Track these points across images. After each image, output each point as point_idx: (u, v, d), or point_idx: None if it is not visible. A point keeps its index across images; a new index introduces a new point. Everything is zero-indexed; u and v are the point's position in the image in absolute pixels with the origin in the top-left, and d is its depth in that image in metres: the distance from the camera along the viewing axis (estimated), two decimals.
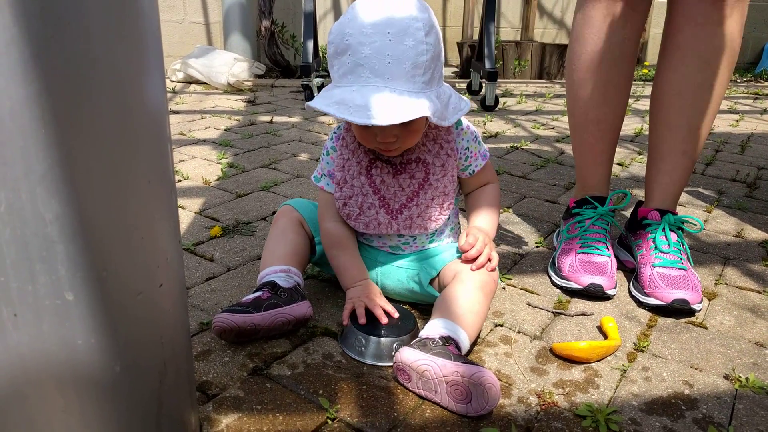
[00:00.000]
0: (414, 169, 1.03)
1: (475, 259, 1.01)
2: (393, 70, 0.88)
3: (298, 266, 1.08)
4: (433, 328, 0.93)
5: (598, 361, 0.98)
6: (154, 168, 0.60)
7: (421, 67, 0.89)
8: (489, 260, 1.02)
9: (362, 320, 0.98)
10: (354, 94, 0.88)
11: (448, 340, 0.90)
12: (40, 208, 0.51)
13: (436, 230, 1.09)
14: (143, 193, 0.59)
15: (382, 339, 0.95)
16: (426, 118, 0.96)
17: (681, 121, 1.25)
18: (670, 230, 1.24)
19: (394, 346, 0.94)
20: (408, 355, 0.87)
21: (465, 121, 1.07)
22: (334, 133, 1.08)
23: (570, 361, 0.98)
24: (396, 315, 1.00)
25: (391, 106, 0.87)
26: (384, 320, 0.98)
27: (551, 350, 1.00)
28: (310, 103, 0.92)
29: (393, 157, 1.02)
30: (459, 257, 1.05)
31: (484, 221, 1.09)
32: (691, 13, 1.18)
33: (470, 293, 0.97)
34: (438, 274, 1.05)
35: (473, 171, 1.09)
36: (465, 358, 0.87)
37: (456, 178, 1.07)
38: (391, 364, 0.93)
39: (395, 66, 0.88)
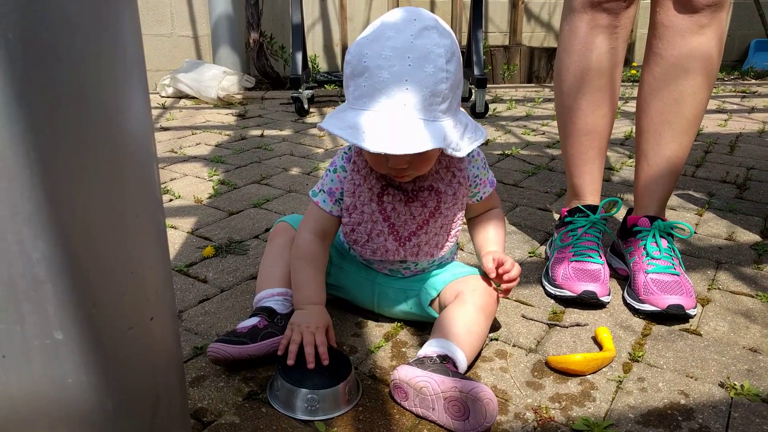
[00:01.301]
0: (426, 197, 1.01)
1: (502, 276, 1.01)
2: (410, 98, 0.84)
3: None
4: (430, 348, 0.93)
5: (593, 372, 0.98)
6: (142, 202, 0.60)
7: (440, 96, 0.85)
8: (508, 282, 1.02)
9: (290, 361, 0.90)
10: (368, 120, 0.85)
11: (446, 359, 0.90)
12: (27, 248, 0.51)
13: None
14: (131, 227, 0.58)
15: (296, 388, 0.86)
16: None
17: (664, 128, 1.26)
18: (661, 236, 1.25)
19: (308, 397, 0.86)
20: (406, 372, 0.87)
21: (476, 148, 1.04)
22: (345, 153, 1.04)
23: (566, 374, 0.98)
24: (326, 362, 0.90)
25: (405, 135, 0.83)
26: (311, 365, 0.90)
27: (547, 363, 1.00)
28: (322, 125, 0.89)
29: (405, 183, 1.00)
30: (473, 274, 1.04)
31: (497, 246, 1.08)
32: (670, 22, 1.20)
33: (470, 314, 0.97)
34: (438, 295, 1.05)
35: (480, 198, 1.08)
36: (463, 375, 0.87)
37: (465, 205, 1.05)
38: (303, 417, 0.86)
39: (413, 93, 0.84)
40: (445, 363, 0.89)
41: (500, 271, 1.00)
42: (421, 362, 0.89)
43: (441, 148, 0.87)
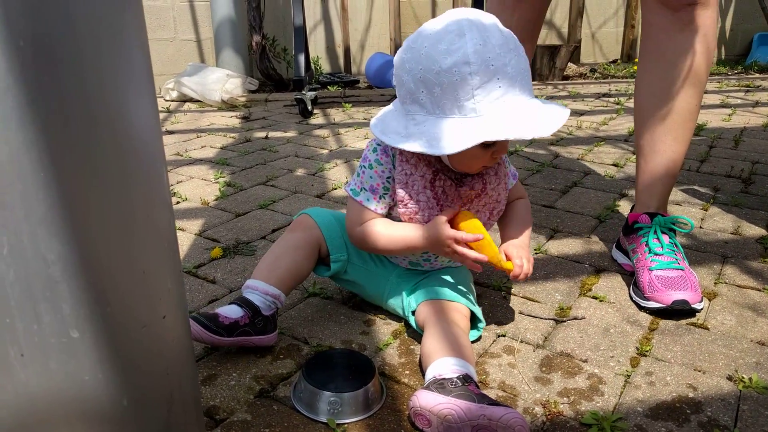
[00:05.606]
0: (472, 181, 1.03)
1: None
2: (529, 83, 0.93)
3: (288, 290, 1.06)
4: (447, 366, 0.87)
5: (490, 260, 0.97)
6: (152, 201, 0.61)
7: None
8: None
9: (478, 266, 0.99)
10: (524, 111, 0.90)
11: (467, 379, 0.85)
12: (42, 249, 0.52)
13: None
14: (142, 226, 0.59)
15: (319, 390, 0.87)
16: None
17: (657, 125, 1.27)
18: (662, 232, 1.25)
19: (331, 400, 0.86)
20: (427, 399, 0.81)
21: None
22: (378, 146, 1.02)
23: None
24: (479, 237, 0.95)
25: (548, 115, 0.91)
26: (479, 265, 0.99)
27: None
28: (486, 136, 0.87)
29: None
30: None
31: (520, 235, 1.08)
32: (655, 20, 1.22)
33: (466, 329, 1.00)
34: (417, 307, 1.04)
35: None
36: (488, 398, 0.82)
37: (507, 188, 1.09)
38: (323, 420, 0.86)
39: (528, 78, 0.93)
40: (467, 385, 0.83)
41: (513, 267, 1.01)
42: (441, 386, 0.83)
43: None
